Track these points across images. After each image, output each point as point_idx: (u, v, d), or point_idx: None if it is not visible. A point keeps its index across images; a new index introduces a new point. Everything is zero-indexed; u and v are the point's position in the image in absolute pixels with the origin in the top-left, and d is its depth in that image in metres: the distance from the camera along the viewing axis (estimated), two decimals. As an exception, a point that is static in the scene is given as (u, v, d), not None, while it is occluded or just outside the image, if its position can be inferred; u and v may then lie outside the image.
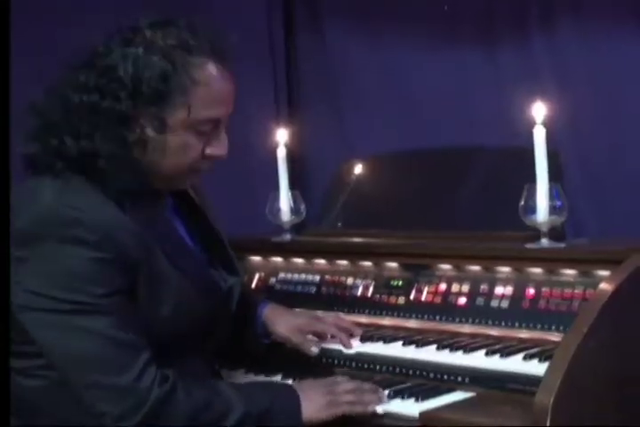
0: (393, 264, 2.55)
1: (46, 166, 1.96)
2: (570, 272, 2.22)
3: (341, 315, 2.52)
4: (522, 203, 2.33)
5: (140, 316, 1.93)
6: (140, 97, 1.93)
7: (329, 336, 2.37)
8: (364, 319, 2.49)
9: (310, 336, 2.36)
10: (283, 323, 2.37)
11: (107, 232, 1.87)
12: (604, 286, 1.98)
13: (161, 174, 2.01)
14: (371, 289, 2.55)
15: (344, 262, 2.66)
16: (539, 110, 2.34)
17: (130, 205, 1.94)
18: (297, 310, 2.51)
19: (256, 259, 2.84)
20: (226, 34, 2.10)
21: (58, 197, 1.89)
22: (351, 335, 2.37)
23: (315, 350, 2.31)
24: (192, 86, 1.94)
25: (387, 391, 2.09)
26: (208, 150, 2.01)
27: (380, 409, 2.02)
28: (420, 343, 2.26)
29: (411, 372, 2.20)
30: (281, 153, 2.88)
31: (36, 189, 1.94)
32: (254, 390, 2.04)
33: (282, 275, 2.77)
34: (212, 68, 1.98)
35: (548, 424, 1.75)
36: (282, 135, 2.91)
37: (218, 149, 2.03)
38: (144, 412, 1.84)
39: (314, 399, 2.02)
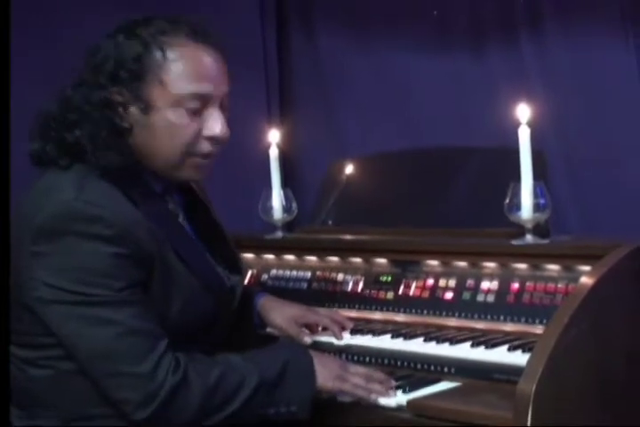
0: (382, 260, 2.59)
1: (50, 160, 2.01)
2: (553, 267, 2.26)
3: (333, 310, 2.55)
4: (507, 201, 2.38)
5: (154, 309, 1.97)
6: (119, 80, 1.96)
7: (321, 328, 2.42)
8: (354, 314, 2.54)
9: (304, 329, 2.41)
10: (278, 314, 2.42)
11: (124, 228, 1.91)
12: (584, 279, 2.03)
13: (157, 158, 2.01)
14: (360, 285, 2.59)
15: (334, 259, 2.70)
16: (523, 111, 2.38)
17: (140, 201, 1.98)
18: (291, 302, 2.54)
19: (249, 256, 2.88)
20: (210, 21, 2.10)
21: (78, 194, 1.92)
22: (343, 328, 2.41)
23: (308, 340, 2.36)
24: (167, 63, 1.96)
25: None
26: (203, 130, 2.01)
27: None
28: (408, 336, 2.31)
29: (399, 363, 2.25)
30: (273, 153, 2.92)
31: (55, 185, 1.98)
32: (268, 354, 2.06)
33: (274, 271, 2.81)
34: (189, 46, 1.99)
35: (530, 411, 1.80)
36: (274, 135, 2.95)
37: (212, 127, 2.01)
38: (160, 400, 1.88)
39: (327, 367, 2.05)
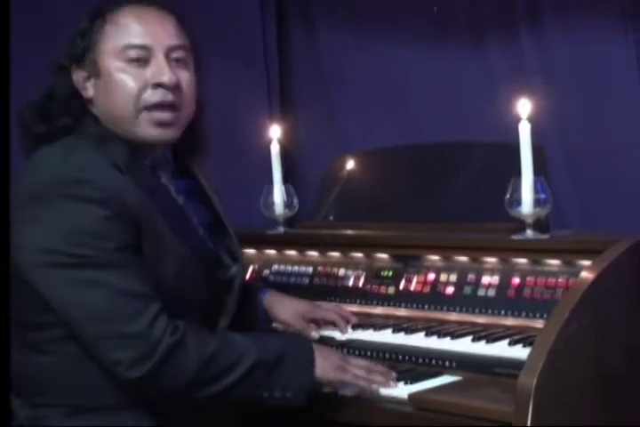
0: (383, 255, 2.60)
1: (41, 136, 2.09)
2: (553, 262, 2.27)
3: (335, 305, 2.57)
4: (507, 196, 2.39)
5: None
6: (76, 58, 2.09)
7: (328, 322, 2.43)
8: (355, 309, 2.54)
9: (311, 325, 2.43)
10: (284, 309, 2.43)
11: (110, 191, 1.96)
12: (584, 274, 2.04)
13: (116, 118, 2.07)
14: (362, 280, 2.60)
15: (336, 254, 2.71)
16: (524, 106, 2.39)
17: (127, 170, 2.03)
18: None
19: (250, 251, 2.88)
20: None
21: (63, 161, 2.00)
22: (349, 323, 2.43)
23: (315, 335, 2.38)
24: (106, 26, 2.07)
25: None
26: (150, 79, 2.06)
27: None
28: (409, 330, 2.32)
29: (400, 357, 2.27)
30: (274, 148, 2.94)
31: (43, 156, 2.06)
32: (269, 338, 2.11)
33: (275, 267, 2.82)
34: (128, 9, 2.10)
35: (530, 405, 1.81)
36: (275, 131, 2.96)
37: (157, 75, 2.06)
38: (155, 359, 1.90)
39: (328, 358, 2.07)
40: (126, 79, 2.06)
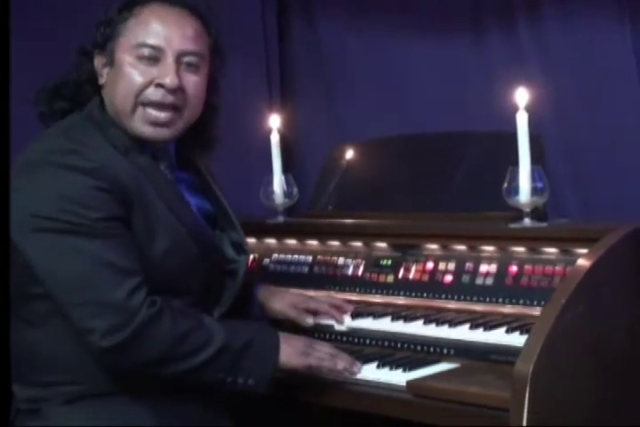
0: (382, 244, 2.62)
1: (50, 115, 2.19)
2: (551, 250, 2.29)
3: (333, 293, 2.60)
4: (505, 185, 2.40)
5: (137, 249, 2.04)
6: (98, 45, 2.16)
7: (322, 313, 2.44)
8: (354, 297, 2.57)
9: (304, 312, 2.45)
10: (278, 300, 2.46)
11: (102, 164, 2.02)
12: (581, 262, 2.06)
13: (117, 107, 2.13)
14: (361, 268, 2.62)
15: (335, 243, 2.73)
16: (521, 96, 2.40)
17: (126, 151, 2.10)
18: (291, 290, 2.59)
19: (251, 240, 2.87)
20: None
21: (61, 134, 2.08)
22: (344, 312, 2.45)
23: (310, 321, 2.41)
24: (130, 20, 2.14)
25: (376, 362, 2.18)
26: (155, 79, 2.11)
27: (369, 378, 2.12)
28: (408, 318, 2.34)
29: (399, 345, 2.29)
30: (274, 138, 2.95)
31: (45, 131, 2.14)
32: (238, 325, 2.14)
33: (275, 255, 2.83)
34: (154, 6, 2.15)
35: (527, 391, 1.83)
36: (275, 121, 2.97)
37: (162, 76, 2.11)
38: (130, 330, 1.94)
39: (292, 345, 2.12)
40: (133, 73, 2.11)
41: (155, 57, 2.12)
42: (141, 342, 1.97)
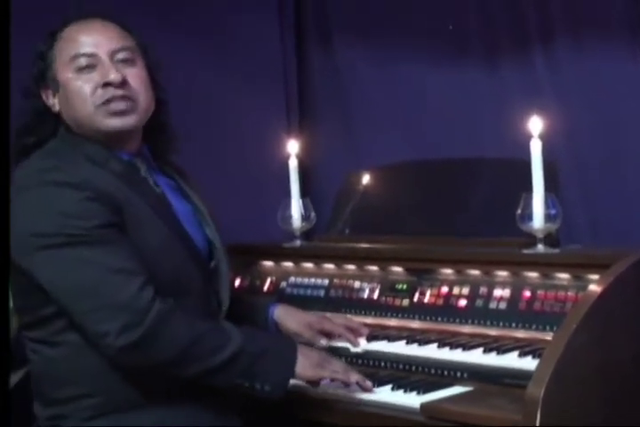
0: (398, 269, 2.65)
1: (27, 148, 2.25)
2: (563, 276, 2.31)
3: (349, 316, 2.62)
4: (519, 211, 2.44)
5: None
6: (38, 79, 2.26)
7: (337, 335, 2.48)
8: (370, 320, 2.59)
9: (319, 333, 2.48)
10: (294, 320, 2.50)
11: (86, 178, 2.09)
12: (592, 288, 2.09)
13: (80, 120, 2.21)
14: (377, 292, 2.64)
15: (351, 267, 2.75)
16: (536, 124, 2.45)
17: (104, 163, 2.17)
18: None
19: (268, 264, 2.93)
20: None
21: (40, 158, 2.18)
22: (360, 335, 2.49)
23: (324, 342, 2.45)
24: (55, 44, 2.24)
25: (390, 385, 2.21)
26: (99, 80, 2.19)
27: (384, 400, 2.15)
28: (422, 342, 2.37)
29: (413, 368, 2.32)
30: (292, 163, 2.99)
31: (27, 160, 2.21)
32: (256, 332, 2.20)
33: (292, 279, 2.85)
34: (70, 26, 2.26)
35: (538, 415, 1.86)
36: (293, 146, 3.02)
37: (104, 75, 2.19)
38: (145, 326, 1.99)
39: (308, 356, 2.16)
40: (80, 84, 2.20)
41: (91, 64, 2.21)
42: (157, 339, 2.01)
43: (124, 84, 2.21)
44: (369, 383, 2.19)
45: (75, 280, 2.03)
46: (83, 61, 2.21)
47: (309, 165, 3.61)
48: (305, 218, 2.99)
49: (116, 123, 2.21)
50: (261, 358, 2.09)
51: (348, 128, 3.86)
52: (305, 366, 2.14)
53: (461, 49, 3.53)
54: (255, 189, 3.67)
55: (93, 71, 2.20)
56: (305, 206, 3.00)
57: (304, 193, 3.02)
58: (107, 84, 2.19)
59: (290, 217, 2.99)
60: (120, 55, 2.24)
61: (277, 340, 2.22)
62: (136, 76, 2.25)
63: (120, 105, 2.20)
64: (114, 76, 2.19)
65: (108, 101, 2.19)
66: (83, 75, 2.20)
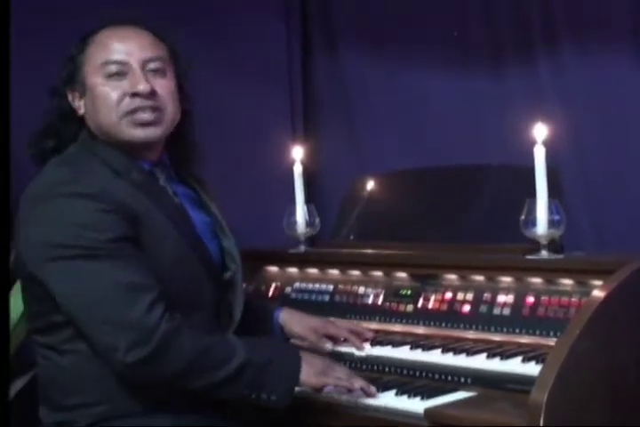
0: (402, 274, 2.66)
1: (47, 152, 2.26)
2: (567, 282, 2.32)
3: (354, 322, 2.62)
4: (523, 217, 2.44)
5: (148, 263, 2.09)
6: (66, 81, 2.27)
7: (342, 339, 2.49)
8: (374, 326, 2.60)
9: (324, 337, 2.50)
10: (299, 324, 2.51)
11: (103, 188, 2.10)
12: (595, 293, 2.09)
13: (103, 127, 2.21)
14: (381, 298, 2.65)
15: (356, 273, 2.76)
16: (539, 131, 2.45)
17: (125, 172, 2.18)
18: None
19: (273, 269, 2.95)
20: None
21: (59, 165, 2.17)
22: (365, 340, 2.50)
23: (329, 346, 2.46)
24: (86, 49, 2.25)
25: (395, 390, 2.22)
26: (128, 89, 2.19)
27: (388, 405, 2.16)
28: (426, 347, 2.38)
29: (417, 373, 2.33)
30: (297, 169, 2.99)
31: (45, 166, 2.21)
32: (260, 342, 2.21)
33: (297, 284, 2.87)
34: (107, 30, 2.26)
35: (541, 420, 1.87)
36: (298, 152, 3.03)
37: (133, 85, 2.20)
38: (153, 345, 1.99)
39: (312, 364, 2.17)
40: (107, 91, 2.21)
41: (122, 71, 2.21)
42: (165, 356, 2.02)
43: (152, 94, 2.21)
44: (373, 389, 2.20)
45: (85, 293, 2.04)
46: (113, 68, 2.21)
47: (314, 171, 3.63)
48: (310, 224, 3.00)
49: (140, 133, 2.21)
50: (266, 369, 2.09)
51: (353, 134, 3.88)
52: (309, 374, 2.15)
53: (466, 55, 3.54)
54: (260, 194, 3.68)
55: (123, 79, 2.21)
56: (310, 212, 3.01)
57: (309, 199, 3.03)
58: (135, 94, 2.19)
59: (295, 223, 3.00)
60: (151, 65, 2.24)
61: (281, 349, 2.23)
62: (165, 87, 2.25)
63: (146, 116, 2.20)
64: (143, 87, 2.19)
65: (133, 111, 2.20)
66: (112, 81, 2.21)
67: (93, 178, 2.13)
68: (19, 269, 2.19)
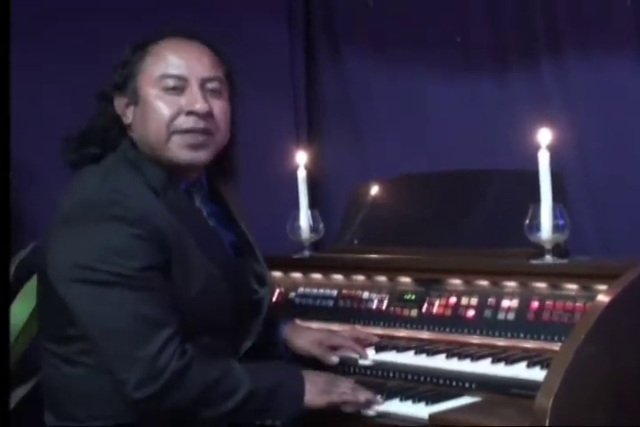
0: (406, 279, 2.66)
1: (83, 160, 2.22)
2: (571, 286, 2.32)
3: (357, 327, 2.63)
4: (527, 222, 2.44)
5: (172, 294, 2.08)
6: (118, 87, 2.22)
7: (346, 349, 2.47)
8: (379, 331, 2.60)
9: (328, 349, 2.47)
10: (303, 338, 2.49)
11: (143, 213, 2.05)
12: (600, 298, 2.10)
13: (150, 141, 2.17)
14: (385, 302, 2.65)
15: (360, 277, 2.76)
16: (544, 136, 2.45)
17: (162, 192, 2.14)
18: (315, 326, 2.64)
19: (277, 274, 2.94)
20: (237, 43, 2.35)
21: (99, 184, 2.11)
22: (368, 344, 2.49)
23: (335, 359, 2.44)
24: (145, 57, 2.19)
25: (399, 395, 2.21)
26: (183, 107, 2.16)
27: (392, 410, 2.16)
28: (431, 352, 2.37)
29: (422, 378, 2.32)
30: (301, 174, 2.99)
31: (83, 177, 2.17)
32: (264, 368, 2.18)
33: (301, 289, 2.87)
34: (168, 40, 2.22)
35: (547, 425, 1.87)
36: (302, 157, 3.03)
37: (190, 103, 2.16)
38: (161, 383, 1.99)
39: (315, 383, 2.15)
40: (162, 106, 2.16)
41: (180, 87, 2.17)
42: (172, 393, 2.01)
43: (208, 115, 2.17)
44: (379, 399, 2.19)
45: (104, 321, 2.02)
46: (171, 82, 2.17)
47: (318, 176, 3.63)
48: (314, 229, 3.00)
49: (186, 156, 2.18)
50: (271, 397, 2.09)
51: (357, 139, 3.88)
52: (313, 394, 2.14)
53: (469, 60, 3.55)
54: (264, 199, 3.68)
55: (181, 95, 2.17)
56: (314, 217, 3.01)
57: (313, 204, 3.03)
58: (191, 113, 2.16)
59: (299, 228, 3.00)
60: (210, 85, 2.20)
61: (284, 373, 2.19)
62: (220, 109, 2.21)
63: (197, 138, 2.17)
64: (200, 106, 2.15)
65: (185, 131, 2.16)
66: (168, 95, 2.16)
67: (135, 200, 2.08)
68: (41, 280, 2.18)
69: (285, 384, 2.13)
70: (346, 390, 2.18)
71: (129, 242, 2.03)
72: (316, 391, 2.15)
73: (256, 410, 2.08)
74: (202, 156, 2.20)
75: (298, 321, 2.62)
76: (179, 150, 2.17)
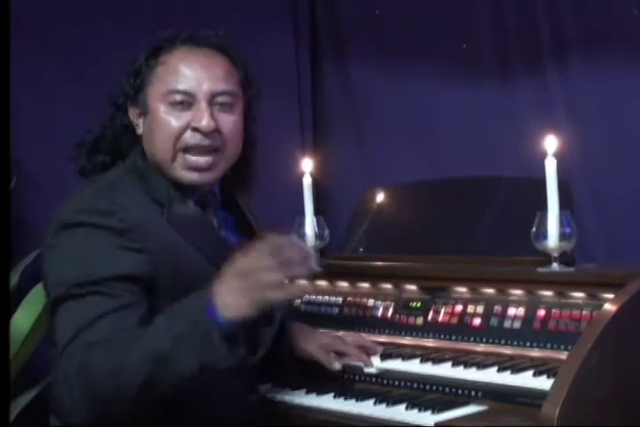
0: (412, 287, 2.65)
1: (93, 169, 2.21)
2: (578, 295, 2.31)
3: (363, 335, 2.61)
4: (534, 229, 2.43)
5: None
6: (129, 97, 2.19)
7: (350, 356, 2.46)
8: (384, 339, 2.59)
9: (333, 354, 2.46)
10: (308, 341, 2.48)
11: (136, 225, 2.02)
12: (607, 306, 2.09)
13: (157, 155, 2.15)
14: (391, 310, 2.64)
15: (365, 285, 2.75)
16: (550, 143, 2.44)
17: (167, 203, 2.11)
18: (320, 330, 2.62)
19: (282, 281, 2.95)
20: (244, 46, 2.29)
21: (98, 192, 2.09)
22: (373, 353, 2.47)
23: (337, 365, 2.42)
24: (156, 68, 2.17)
25: (405, 404, 2.20)
26: (191, 123, 2.14)
27: (398, 418, 2.14)
28: (437, 360, 2.36)
29: (427, 387, 2.31)
30: (306, 181, 2.98)
31: (85, 186, 2.15)
32: (164, 323, 1.92)
33: (306, 296, 2.85)
34: (179, 50, 2.19)
35: (553, 434, 1.87)
36: (307, 164, 3.02)
37: (197, 119, 2.13)
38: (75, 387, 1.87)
39: (226, 291, 1.89)
40: (169, 120, 2.15)
41: (187, 102, 2.15)
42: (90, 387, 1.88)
43: (214, 133, 2.15)
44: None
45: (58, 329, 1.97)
46: (178, 98, 2.14)
47: (323, 183, 3.62)
48: (319, 236, 2.99)
49: (193, 177, 2.16)
50: (184, 337, 1.87)
51: (363, 146, 3.88)
52: (231, 310, 1.87)
53: (476, 67, 3.55)
54: (269, 206, 3.66)
55: (188, 110, 2.15)
56: (319, 224, 2.99)
57: (318, 211, 3.01)
58: (196, 129, 2.14)
59: (304, 235, 2.97)
60: (219, 99, 2.17)
61: (183, 306, 1.93)
62: (229, 123, 2.18)
63: (201, 160, 2.15)
64: (206, 123, 2.13)
65: (191, 149, 2.13)
66: (175, 111, 2.14)
67: (132, 212, 2.04)
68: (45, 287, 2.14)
69: (188, 332, 1.87)
70: (264, 284, 1.88)
71: (112, 252, 1.99)
72: (226, 290, 1.88)
73: (192, 353, 1.86)
74: (209, 177, 2.18)
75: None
76: (184, 172, 2.16)
